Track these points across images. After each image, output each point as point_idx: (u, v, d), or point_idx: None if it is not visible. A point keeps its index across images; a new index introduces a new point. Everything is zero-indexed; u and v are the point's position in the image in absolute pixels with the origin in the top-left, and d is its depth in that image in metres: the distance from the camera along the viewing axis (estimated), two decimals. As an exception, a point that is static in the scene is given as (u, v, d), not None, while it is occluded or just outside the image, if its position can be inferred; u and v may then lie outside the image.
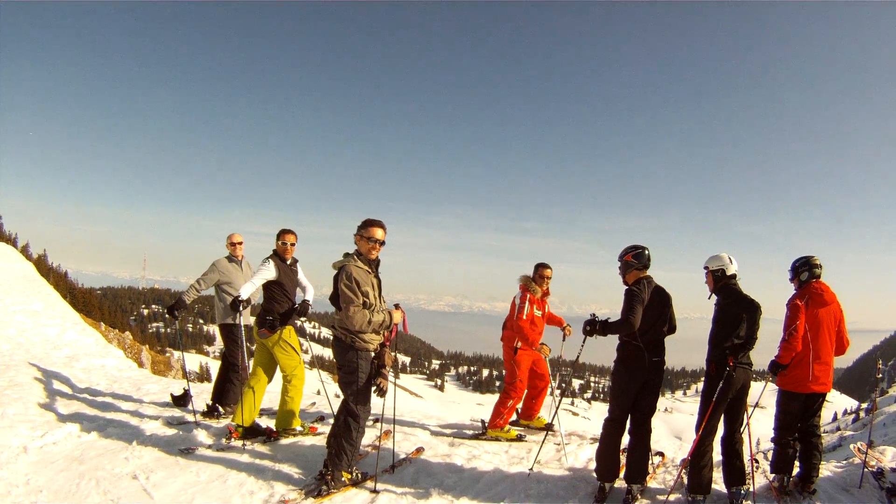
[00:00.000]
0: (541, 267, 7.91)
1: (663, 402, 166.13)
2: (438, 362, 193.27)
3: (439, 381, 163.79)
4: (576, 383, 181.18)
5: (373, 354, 5.69)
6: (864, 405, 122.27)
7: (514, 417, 8.33)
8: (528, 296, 7.73)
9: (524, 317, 7.64)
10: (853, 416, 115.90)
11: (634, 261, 5.98)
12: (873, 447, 8.17)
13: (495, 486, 6.03)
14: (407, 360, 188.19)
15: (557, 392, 8.17)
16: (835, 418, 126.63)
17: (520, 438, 7.64)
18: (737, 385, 5.70)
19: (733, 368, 5.60)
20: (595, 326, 5.77)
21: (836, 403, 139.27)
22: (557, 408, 7.24)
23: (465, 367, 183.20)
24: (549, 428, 7.97)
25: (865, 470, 6.64)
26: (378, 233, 5.64)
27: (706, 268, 6.02)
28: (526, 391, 8.10)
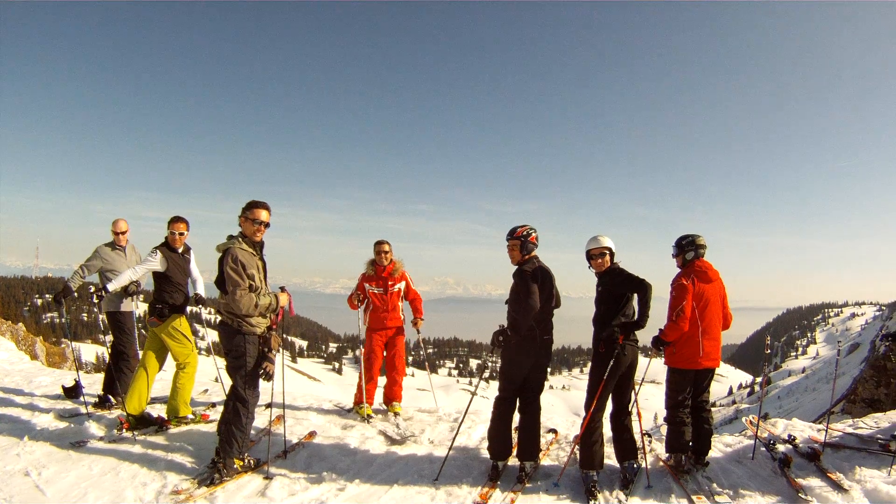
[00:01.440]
0: (376, 244, 8.31)
1: (560, 379, 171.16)
2: (336, 345, 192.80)
3: (337, 364, 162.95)
4: (473, 363, 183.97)
5: (259, 338, 5.76)
6: (758, 379, 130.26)
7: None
8: (361, 275, 8.35)
9: (351, 294, 8.41)
10: (748, 389, 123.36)
11: (522, 240, 6.16)
12: (767, 419, 8.75)
13: (389, 468, 6.23)
14: (304, 343, 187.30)
15: (412, 371, 8.53)
16: (730, 392, 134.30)
17: (368, 419, 7.93)
18: (625, 363, 6.02)
19: (623, 347, 5.92)
20: (506, 334, 5.92)
21: (731, 378, 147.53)
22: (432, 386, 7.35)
23: (362, 350, 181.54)
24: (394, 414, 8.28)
25: (757, 441, 7.16)
26: (262, 214, 5.72)
27: (605, 249, 6.17)
28: (386, 377, 8.50)
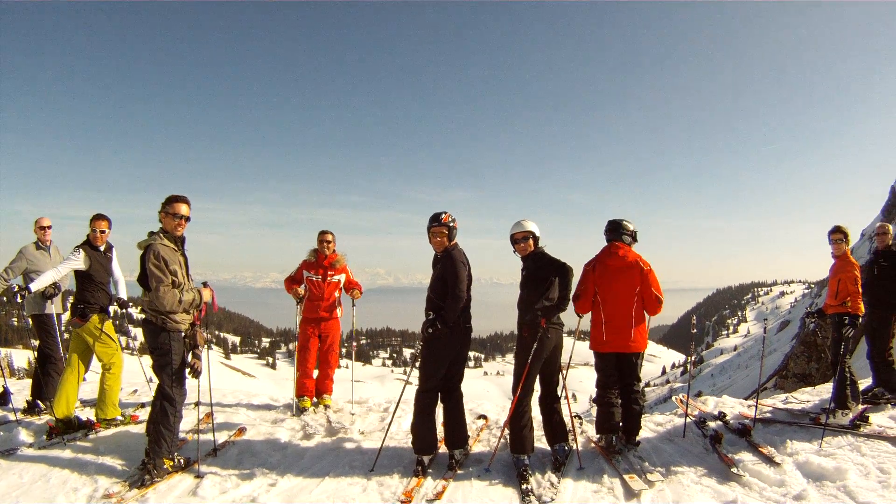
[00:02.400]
0: (320, 233, 8.42)
1: (495, 365, 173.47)
2: (269, 340, 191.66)
3: (271, 359, 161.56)
4: (407, 352, 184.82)
5: (184, 335, 5.77)
6: (691, 358, 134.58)
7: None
8: (302, 261, 8.41)
9: (288, 276, 8.45)
10: (681, 369, 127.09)
11: (449, 226, 6.20)
12: (701, 397, 8.96)
13: (320, 461, 6.29)
14: (237, 340, 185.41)
15: (347, 362, 8.61)
16: (663, 372, 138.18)
17: (302, 413, 7.91)
18: (550, 346, 6.11)
19: (546, 330, 5.99)
20: (435, 324, 5.95)
21: (664, 358, 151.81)
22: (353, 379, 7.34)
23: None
24: (326, 407, 8.28)
25: (688, 419, 7.37)
26: (182, 208, 5.71)
27: (528, 232, 6.22)
28: (318, 370, 8.51)
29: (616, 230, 6.56)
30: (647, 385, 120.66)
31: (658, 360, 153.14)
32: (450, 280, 5.98)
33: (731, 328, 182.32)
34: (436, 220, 6.17)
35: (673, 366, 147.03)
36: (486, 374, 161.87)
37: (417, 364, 6.21)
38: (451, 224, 6.19)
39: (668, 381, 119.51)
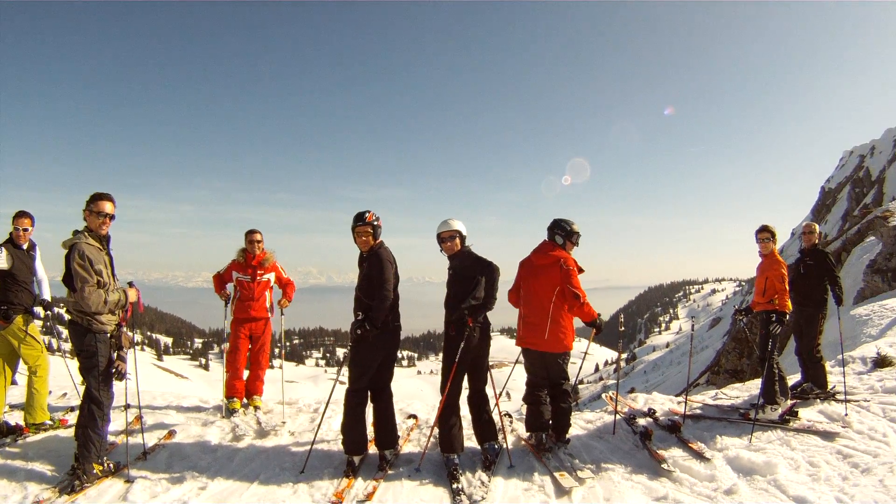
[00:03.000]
0: (248, 233, 8.37)
1: (428, 364, 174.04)
2: (201, 341, 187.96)
3: (203, 360, 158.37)
4: (340, 352, 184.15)
5: (110, 336, 5.66)
6: (624, 355, 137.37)
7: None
8: (231, 261, 8.35)
9: (216, 274, 8.40)
10: (614, 366, 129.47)
11: (374, 225, 6.18)
12: (633, 393, 9.05)
13: (250, 463, 6.23)
14: (169, 340, 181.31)
15: (280, 362, 8.61)
16: (597, 369, 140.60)
17: (232, 414, 7.79)
18: (477, 344, 6.19)
19: (472, 329, 6.06)
20: (364, 325, 5.88)
21: (598, 355, 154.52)
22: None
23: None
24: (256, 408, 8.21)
25: (617, 416, 7.45)
26: (107, 206, 5.62)
27: (455, 231, 6.28)
28: (249, 371, 8.45)
29: (551, 229, 6.66)
30: (581, 382, 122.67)
31: (591, 358, 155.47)
32: (376, 280, 5.98)
33: (664, 325, 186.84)
34: (360, 219, 6.15)
35: (606, 363, 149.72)
36: (419, 373, 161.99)
37: (347, 364, 6.18)
38: (376, 223, 6.18)
39: (601, 379, 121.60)
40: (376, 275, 5.99)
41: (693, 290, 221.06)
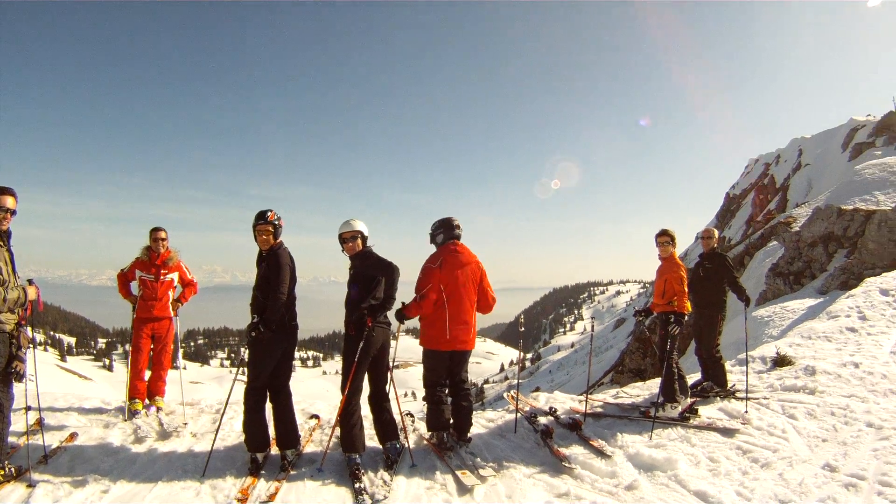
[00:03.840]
0: (152, 230, 8.27)
1: (334, 364, 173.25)
2: (105, 340, 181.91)
3: (107, 361, 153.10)
4: (246, 352, 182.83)
5: (9, 335, 5.49)
6: (529, 355, 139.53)
7: None
8: (135, 259, 8.30)
9: (120, 272, 8.30)
10: (518, 365, 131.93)
11: (275, 224, 6.28)
12: (536, 393, 9.12)
13: (152, 465, 6.12)
14: (72, 340, 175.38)
15: (186, 363, 8.41)
16: (502, 369, 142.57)
17: (134, 416, 7.65)
18: (377, 344, 6.24)
19: (372, 328, 6.11)
20: (259, 328, 5.95)
21: (503, 355, 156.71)
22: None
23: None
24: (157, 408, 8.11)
25: (518, 415, 7.53)
26: (8, 201, 5.45)
27: (357, 232, 6.36)
28: (151, 371, 8.36)
29: (452, 228, 6.78)
30: (487, 382, 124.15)
31: (496, 358, 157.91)
32: (272, 280, 6.07)
33: (568, 326, 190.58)
34: (262, 217, 6.22)
35: (511, 363, 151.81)
36: (324, 373, 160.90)
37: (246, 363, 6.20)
38: (277, 222, 6.27)
39: (506, 378, 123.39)
40: (273, 275, 6.07)
41: (598, 292, 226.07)
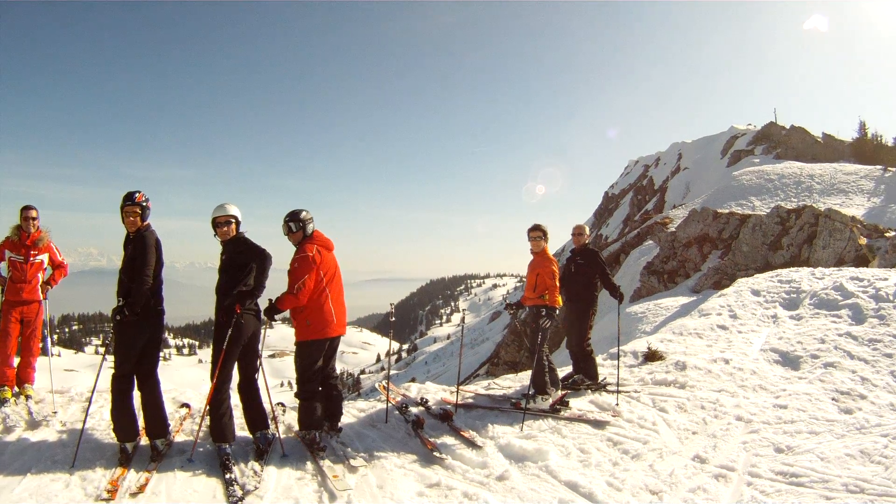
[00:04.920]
0: (23, 209, 7.99)
1: (210, 353, 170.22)
2: None
3: None
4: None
5: None
6: (405, 346, 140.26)
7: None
8: (5, 238, 8.03)
9: None
10: (395, 356, 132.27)
11: (143, 206, 6.17)
12: (412, 383, 9.11)
13: (21, 457, 5.93)
14: None
15: (57, 350, 8.14)
16: (378, 359, 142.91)
17: (3, 404, 7.38)
18: (247, 332, 6.22)
19: (241, 316, 6.09)
20: (123, 312, 5.85)
21: (379, 346, 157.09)
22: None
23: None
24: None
25: (389, 405, 7.55)
26: None
27: (231, 217, 6.32)
28: (20, 357, 8.08)
29: (311, 220, 6.77)
30: (363, 372, 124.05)
31: (373, 348, 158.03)
32: (139, 263, 5.97)
33: (445, 318, 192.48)
34: (129, 199, 6.11)
35: (387, 353, 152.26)
36: (200, 361, 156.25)
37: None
38: (145, 204, 6.19)
39: (382, 369, 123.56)
40: (139, 258, 5.98)
41: (475, 284, 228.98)
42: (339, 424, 6.78)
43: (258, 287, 6.24)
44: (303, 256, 6.45)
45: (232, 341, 6.03)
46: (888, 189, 28.08)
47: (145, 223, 6.20)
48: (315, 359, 6.59)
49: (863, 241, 19.71)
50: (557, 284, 7.94)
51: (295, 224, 6.66)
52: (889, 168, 30.84)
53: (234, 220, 6.31)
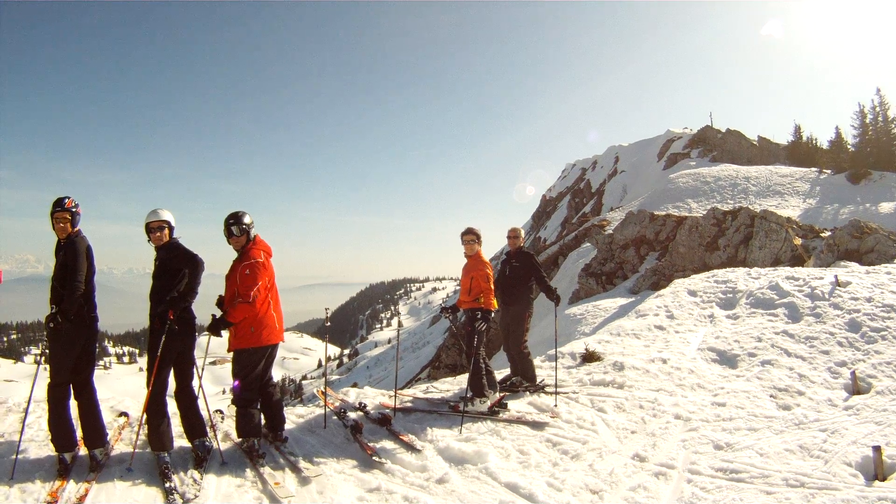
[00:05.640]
0: None
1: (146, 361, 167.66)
2: None
3: None
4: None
5: None
6: (346, 351, 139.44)
7: None
8: None
9: None
10: (337, 361, 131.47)
11: (73, 212, 6.05)
12: (354, 388, 9.02)
13: None
14: None
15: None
16: (319, 365, 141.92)
17: None
18: (182, 339, 6.15)
19: (174, 322, 5.98)
20: (56, 319, 5.71)
21: (319, 351, 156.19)
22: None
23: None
24: None
25: (328, 410, 7.48)
26: None
27: (164, 222, 6.21)
28: None
29: (244, 223, 6.52)
30: (305, 378, 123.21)
31: (314, 353, 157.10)
32: (70, 270, 5.85)
33: (385, 322, 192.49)
34: (59, 205, 6.02)
35: (329, 359, 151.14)
36: (141, 369, 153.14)
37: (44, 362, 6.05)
38: (75, 210, 6.06)
39: (323, 374, 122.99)
40: (70, 264, 5.85)
41: (414, 288, 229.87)
42: (282, 434, 6.65)
43: (190, 293, 6.20)
44: (255, 263, 6.29)
45: (165, 348, 5.95)
46: (823, 190, 28.93)
47: (76, 229, 6.08)
48: (255, 366, 6.44)
49: (798, 241, 20.20)
50: (492, 287, 7.94)
51: (238, 228, 6.44)
52: (824, 170, 31.77)
53: (166, 226, 6.22)
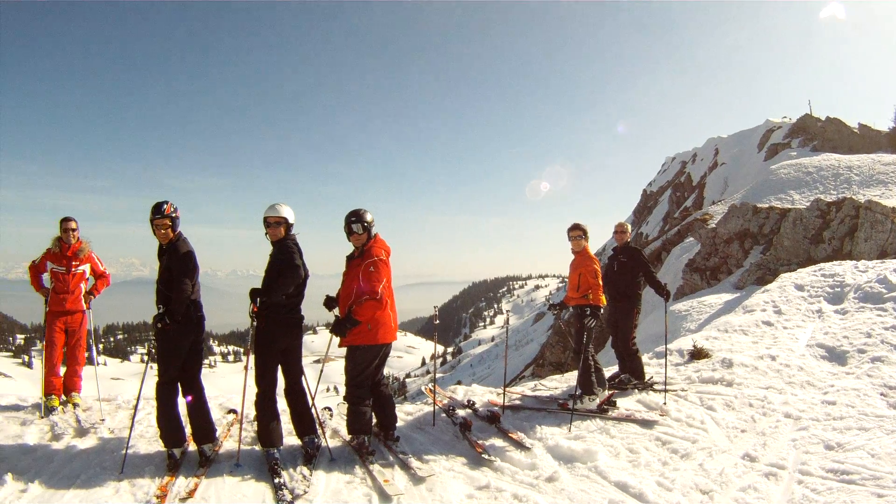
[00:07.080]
0: (62, 220, 8.08)
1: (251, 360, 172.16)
2: (23, 336, 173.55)
3: (27, 357, 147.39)
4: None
5: None
6: (449, 350, 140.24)
7: None
8: (46, 250, 8.07)
9: (31, 263, 8.10)
10: (441, 359, 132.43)
11: (173, 217, 6.17)
12: (459, 386, 9.09)
13: (70, 463, 5.95)
14: None
15: (103, 359, 8.27)
16: (423, 363, 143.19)
17: (51, 412, 7.45)
18: (286, 336, 6.20)
19: (261, 316, 6.03)
20: (164, 319, 5.88)
21: (423, 349, 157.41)
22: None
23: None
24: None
25: (436, 408, 7.50)
26: None
27: (282, 218, 6.17)
28: (66, 367, 8.14)
29: (367, 221, 6.46)
30: (409, 376, 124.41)
31: (417, 352, 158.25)
32: (175, 273, 5.98)
33: (488, 320, 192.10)
34: (158, 211, 6.10)
35: (432, 357, 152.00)
36: (246, 368, 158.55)
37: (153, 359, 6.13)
38: (174, 215, 6.18)
39: (428, 372, 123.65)
40: (175, 268, 5.99)
41: (517, 286, 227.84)
42: (394, 433, 6.65)
43: (276, 289, 6.01)
44: (379, 261, 6.28)
45: (264, 344, 6.06)
46: (927, 178, 27.43)
47: (176, 233, 6.22)
48: (370, 364, 6.45)
49: (905, 232, 19.19)
50: (601, 283, 7.81)
51: (359, 225, 6.38)
52: (926, 157, 30.12)
53: (284, 222, 6.18)
